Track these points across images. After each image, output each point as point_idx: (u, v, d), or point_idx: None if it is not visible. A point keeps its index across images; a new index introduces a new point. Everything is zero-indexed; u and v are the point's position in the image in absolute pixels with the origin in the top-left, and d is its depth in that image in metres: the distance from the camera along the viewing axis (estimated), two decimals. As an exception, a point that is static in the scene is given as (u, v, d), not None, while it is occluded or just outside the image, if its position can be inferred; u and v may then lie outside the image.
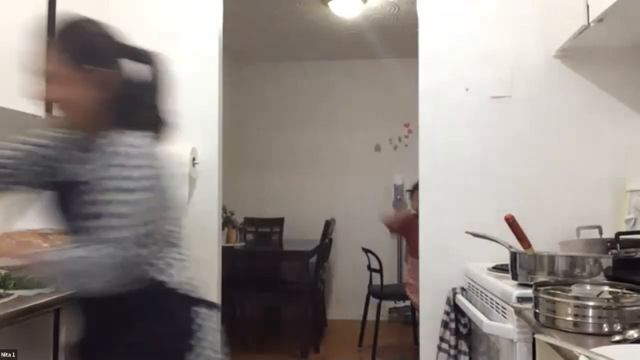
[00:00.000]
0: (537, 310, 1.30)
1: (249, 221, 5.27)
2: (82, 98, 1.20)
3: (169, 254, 1.22)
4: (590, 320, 1.17)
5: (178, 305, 1.22)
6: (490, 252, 1.96)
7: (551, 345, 1.14)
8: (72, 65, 1.18)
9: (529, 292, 1.40)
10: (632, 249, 1.62)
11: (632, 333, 1.08)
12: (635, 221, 2.11)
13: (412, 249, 3.38)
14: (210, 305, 1.29)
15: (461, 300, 2.10)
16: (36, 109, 1.72)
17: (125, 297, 1.13)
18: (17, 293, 1.48)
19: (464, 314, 2.13)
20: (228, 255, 3.44)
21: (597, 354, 0.94)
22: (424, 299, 2.40)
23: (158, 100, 1.29)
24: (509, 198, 2.31)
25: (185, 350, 1.19)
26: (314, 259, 4.52)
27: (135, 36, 2.52)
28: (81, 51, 1.20)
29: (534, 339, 1.46)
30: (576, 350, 0.99)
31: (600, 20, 1.83)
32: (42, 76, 1.20)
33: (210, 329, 1.25)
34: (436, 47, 2.42)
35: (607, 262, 1.58)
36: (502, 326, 1.63)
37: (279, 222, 5.39)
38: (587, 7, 1.88)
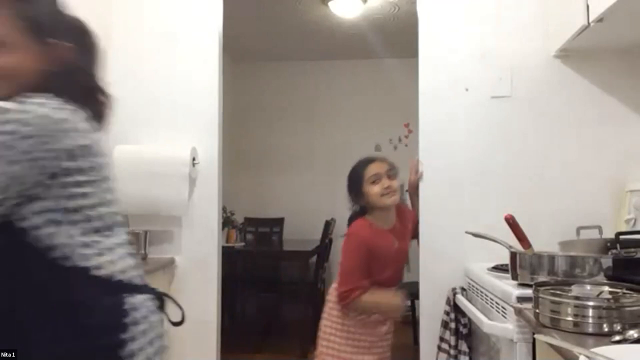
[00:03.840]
0: (537, 310, 1.30)
1: (249, 221, 5.28)
2: (30, 71, 1.06)
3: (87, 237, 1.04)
4: (590, 320, 1.17)
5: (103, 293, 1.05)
6: (490, 252, 1.96)
7: (551, 345, 1.14)
8: (31, 35, 1.05)
9: (529, 292, 1.40)
10: (632, 249, 1.61)
11: (632, 333, 1.08)
12: (635, 221, 2.11)
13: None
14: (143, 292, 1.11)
15: (461, 300, 2.10)
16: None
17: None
18: None
19: (464, 314, 2.13)
20: (228, 255, 3.44)
21: (597, 354, 0.94)
22: (424, 299, 2.40)
23: (93, 72, 1.15)
24: (509, 198, 2.31)
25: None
26: (313, 259, 4.52)
27: (136, 36, 2.57)
28: (42, 21, 1.06)
29: (534, 339, 1.47)
30: (576, 350, 0.99)
31: (600, 20, 1.83)
32: None
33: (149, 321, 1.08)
34: (436, 47, 2.42)
35: (607, 262, 1.58)
36: (502, 326, 1.63)
37: (279, 222, 5.39)
38: (587, 7, 1.88)
